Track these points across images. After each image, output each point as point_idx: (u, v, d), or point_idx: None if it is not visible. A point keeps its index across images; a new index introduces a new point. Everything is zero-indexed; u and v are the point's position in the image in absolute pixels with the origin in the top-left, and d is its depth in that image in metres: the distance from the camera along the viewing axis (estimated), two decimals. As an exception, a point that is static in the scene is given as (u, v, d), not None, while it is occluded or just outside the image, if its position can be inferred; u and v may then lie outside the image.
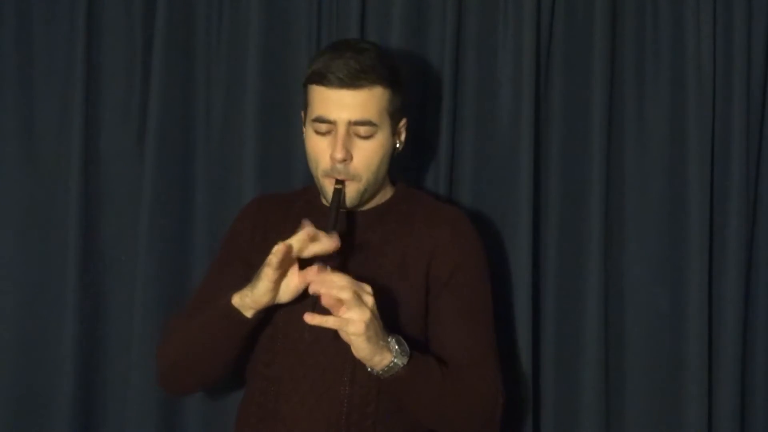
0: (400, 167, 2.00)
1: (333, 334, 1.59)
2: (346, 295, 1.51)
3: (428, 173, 2.09)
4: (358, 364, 1.63)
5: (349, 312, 1.51)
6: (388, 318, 1.58)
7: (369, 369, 1.58)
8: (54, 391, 2.05)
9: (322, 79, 1.66)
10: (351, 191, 1.69)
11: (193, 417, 2.08)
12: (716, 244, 2.07)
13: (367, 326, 1.51)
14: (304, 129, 1.75)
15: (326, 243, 1.58)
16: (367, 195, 1.73)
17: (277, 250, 1.56)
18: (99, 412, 2.08)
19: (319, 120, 1.67)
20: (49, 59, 2.08)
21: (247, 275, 1.67)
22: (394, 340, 1.57)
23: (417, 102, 2.07)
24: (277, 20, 2.06)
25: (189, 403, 2.06)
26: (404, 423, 1.70)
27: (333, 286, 1.52)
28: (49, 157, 2.08)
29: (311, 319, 1.51)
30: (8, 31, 2.08)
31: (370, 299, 1.53)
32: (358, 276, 1.57)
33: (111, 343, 2.08)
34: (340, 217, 1.67)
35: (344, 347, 1.62)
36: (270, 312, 1.68)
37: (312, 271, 1.57)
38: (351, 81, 1.64)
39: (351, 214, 1.76)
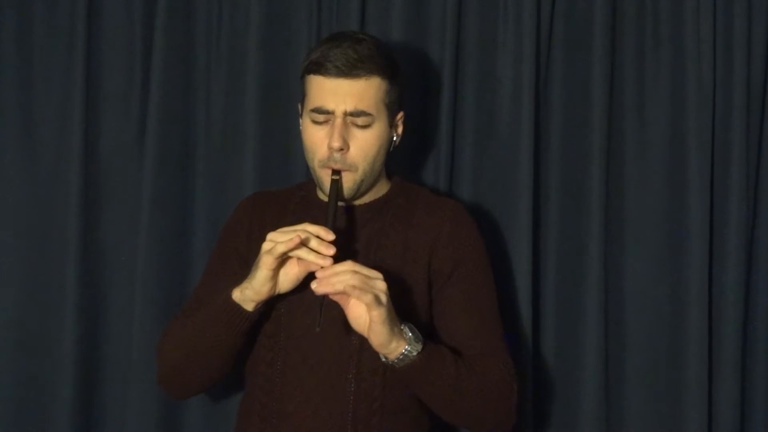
0: (400, 167, 2.00)
1: (344, 327, 1.59)
2: (355, 281, 1.50)
3: (428, 173, 2.09)
4: (363, 360, 1.64)
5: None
6: (395, 306, 1.57)
7: (383, 359, 1.57)
8: (54, 390, 2.05)
9: (320, 69, 1.66)
10: (348, 181, 1.69)
11: (193, 417, 2.08)
12: (716, 244, 2.07)
13: (387, 303, 1.51)
14: (300, 120, 1.74)
15: (319, 254, 1.56)
16: (363, 186, 1.72)
17: (274, 250, 1.56)
18: (99, 412, 2.08)
19: (317, 110, 1.67)
20: (49, 59, 2.08)
21: (244, 274, 1.66)
22: (407, 327, 1.57)
23: (417, 101, 2.07)
24: (277, 20, 2.06)
25: (189, 402, 2.05)
26: (410, 417, 1.71)
27: (339, 281, 1.51)
28: (49, 157, 2.08)
29: (318, 286, 1.51)
30: (8, 31, 2.08)
31: (382, 284, 1.53)
32: None
33: (111, 343, 2.08)
34: (338, 212, 1.66)
35: (348, 344, 1.64)
36: (270, 309, 1.68)
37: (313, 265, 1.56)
38: (348, 70, 1.64)
39: (349, 209, 1.75)
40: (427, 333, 1.67)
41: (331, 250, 1.55)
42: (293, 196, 1.83)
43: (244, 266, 1.72)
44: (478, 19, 2.09)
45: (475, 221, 1.80)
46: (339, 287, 1.50)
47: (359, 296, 1.50)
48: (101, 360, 2.08)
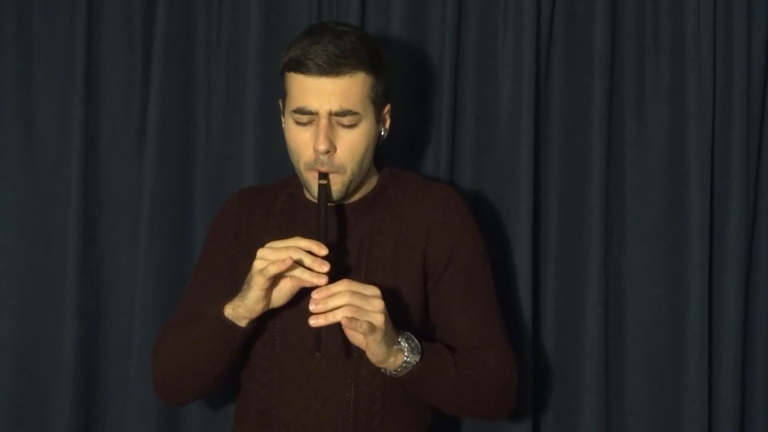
0: (401, 167, 2.00)
1: (344, 350, 1.59)
2: (352, 302, 1.46)
3: (428, 174, 2.09)
4: (360, 365, 1.62)
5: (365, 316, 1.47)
6: (389, 310, 1.53)
7: (382, 370, 1.55)
8: (54, 391, 2.05)
9: (301, 67, 1.57)
10: (336, 184, 1.62)
11: (193, 417, 2.08)
12: (716, 244, 2.07)
13: (384, 324, 1.48)
14: (282, 119, 1.68)
15: (314, 272, 1.51)
16: (352, 186, 1.66)
17: (265, 271, 1.51)
18: (99, 412, 2.08)
19: (300, 111, 1.59)
20: (49, 59, 2.08)
21: (233, 276, 1.65)
22: (403, 338, 1.54)
23: (417, 102, 2.07)
24: (277, 20, 2.06)
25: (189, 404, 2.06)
26: (411, 415, 1.70)
27: (335, 303, 1.47)
28: (49, 157, 2.08)
29: (316, 321, 1.47)
30: (8, 31, 2.08)
31: (379, 303, 1.49)
32: (353, 272, 1.57)
33: (111, 344, 2.08)
34: (328, 214, 1.61)
35: (345, 349, 1.62)
36: (264, 317, 1.63)
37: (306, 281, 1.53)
38: (331, 68, 1.56)
39: (339, 208, 1.70)
40: (423, 331, 1.65)
41: (326, 267, 1.50)
42: (280, 194, 1.78)
43: (233, 269, 1.71)
44: (478, 20, 2.08)
45: (468, 205, 1.78)
46: (335, 318, 1.46)
47: (355, 328, 1.46)
48: (101, 361, 2.08)
